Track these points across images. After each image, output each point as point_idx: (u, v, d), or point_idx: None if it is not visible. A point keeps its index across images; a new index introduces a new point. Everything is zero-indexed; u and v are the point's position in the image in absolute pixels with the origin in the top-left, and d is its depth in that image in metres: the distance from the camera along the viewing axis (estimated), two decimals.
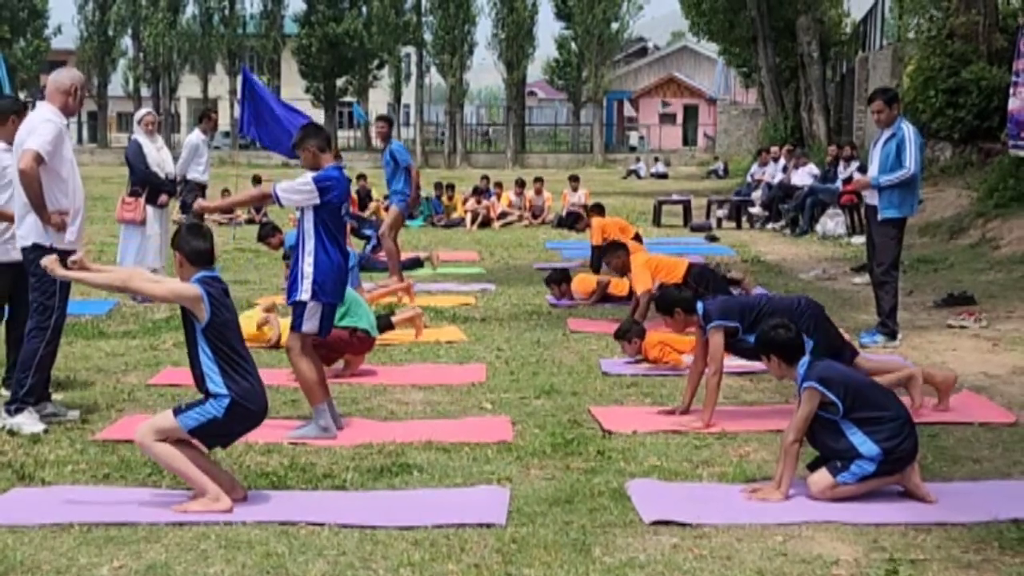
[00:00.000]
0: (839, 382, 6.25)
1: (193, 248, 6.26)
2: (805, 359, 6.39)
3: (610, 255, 12.50)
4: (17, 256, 8.09)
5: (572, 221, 16.97)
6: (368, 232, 18.31)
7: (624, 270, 12.22)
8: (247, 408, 6.14)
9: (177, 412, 6.10)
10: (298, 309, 7.61)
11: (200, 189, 15.94)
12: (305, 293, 7.54)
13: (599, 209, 17.67)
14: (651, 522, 5.81)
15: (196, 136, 16.03)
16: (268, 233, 13.31)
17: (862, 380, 6.54)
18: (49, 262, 6.53)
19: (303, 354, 7.60)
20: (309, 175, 7.56)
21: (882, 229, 10.70)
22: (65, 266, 6.47)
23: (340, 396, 8.62)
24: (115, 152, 53.24)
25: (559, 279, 13.73)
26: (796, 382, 6.36)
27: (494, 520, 5.81)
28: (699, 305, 7.82)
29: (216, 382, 6.07)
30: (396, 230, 14.84)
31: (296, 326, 7.63)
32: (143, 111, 14.26)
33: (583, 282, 13.62)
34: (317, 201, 7.51)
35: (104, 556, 5.38)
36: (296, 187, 7.54)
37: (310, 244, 7.56)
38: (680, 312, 8.12)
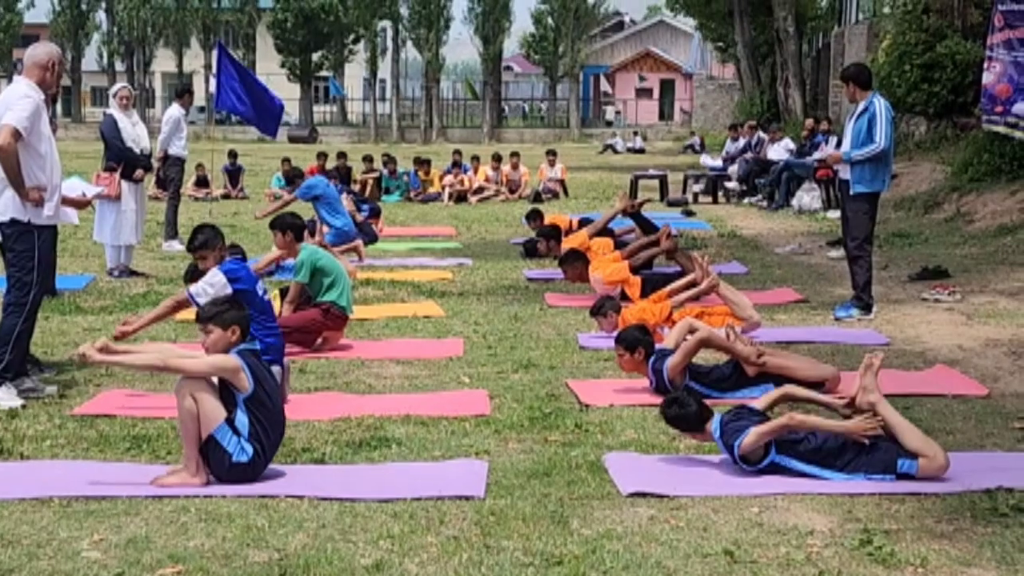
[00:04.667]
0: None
1: (242, 316, 6.34)
2: (715, 419, 6.39)
3: (567, 264, 11.93)
4: None
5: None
6: (365, 208, 18.34)
7: (583, 279, 11.73)
8: (256, 470, 6.11)
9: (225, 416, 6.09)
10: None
11: (180, 164, 15.96)
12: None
13: (556, 232, 14.59)
14: (628, 494, 5.86)
15: (176, 110, 16.12)
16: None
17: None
18: (87, 350, 6.28)
19: None
20: (215, 268, 7.98)
21: (854, 204, 10.75)
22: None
23: (318, 370, 8.65)
24: (89, 127, 52.85)
25: (548, 234, 14.18)
26: (717, 443, 6.33)
27: (473, 493, 5.85)
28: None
29: (245, 447, 6.04)
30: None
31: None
32: (118, 85, 14.25)
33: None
34: (230, 290, 7.78)
35: (84, 530, 5.39)
36: (208, 283, 7.89)
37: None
38: (641, 352, 8.05)
